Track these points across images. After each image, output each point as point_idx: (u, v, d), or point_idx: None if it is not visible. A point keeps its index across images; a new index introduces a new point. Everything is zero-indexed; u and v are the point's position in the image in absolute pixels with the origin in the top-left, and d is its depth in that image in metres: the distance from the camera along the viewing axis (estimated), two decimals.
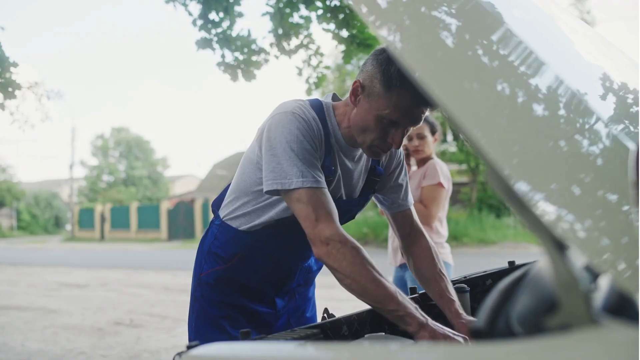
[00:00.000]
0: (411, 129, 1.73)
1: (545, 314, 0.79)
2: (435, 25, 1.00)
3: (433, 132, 3.86)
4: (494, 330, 0.83)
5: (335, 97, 1.90)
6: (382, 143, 1.71)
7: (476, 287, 2.01)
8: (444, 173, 3.81)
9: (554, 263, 0.78)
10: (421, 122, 1.70)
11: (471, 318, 1.71)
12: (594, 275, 0.93)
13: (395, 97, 1.61)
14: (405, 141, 3.83)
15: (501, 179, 0.81)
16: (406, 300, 1.50)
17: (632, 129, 1.04)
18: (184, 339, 6.18)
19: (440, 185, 3.74)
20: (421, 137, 3.82)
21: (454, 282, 1.95)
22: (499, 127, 0.88)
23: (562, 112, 0.96)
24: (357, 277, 1.51)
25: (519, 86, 0.95)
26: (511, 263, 2.18)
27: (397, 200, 1.99)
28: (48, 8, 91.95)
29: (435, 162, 3.84)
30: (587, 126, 0.96)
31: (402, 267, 3.78)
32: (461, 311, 1.73)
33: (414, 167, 4.03)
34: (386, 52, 1.64)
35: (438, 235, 3.79)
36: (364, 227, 18.65)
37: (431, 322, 1.48)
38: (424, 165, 3.87)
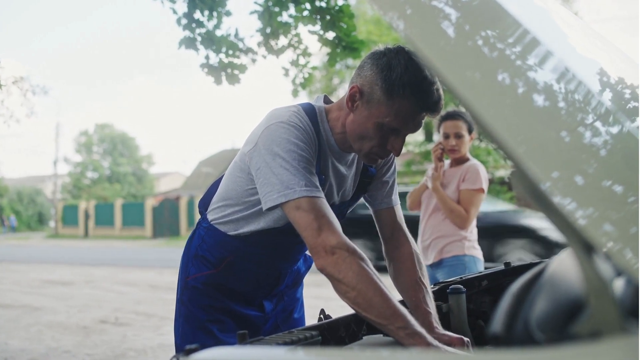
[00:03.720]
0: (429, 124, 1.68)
1: (569, 320, 0.77)
2: (436, 15, 0.98)
3: (470, 130, 3.73)
4: (512, 336, 0.79)
5: (326, 99, 1.83)
6: (381, 150, 1.65)
7: (472, 288, 1.99)
8: (485, 177, 3.71)
9: (582, 267, 0.75)
10: (421, 128, 1.64)
11: (445, 332, 1.64)
12: (625, 279, 0.89)
13: (397, 104, 1.55)
14: (441, 139, 3.71)
15: (527, 179, 0.78)
16: (412, 317, 1.42)
17: None
18: (170, 337, 6.16)
19: (481, 190, 3.65)
20: (459, 136, 3.68)
21: (451, 283, 1.92)
22: (523, 123, 0.84)
23: (582, 105, 0.94)
24: (364, 290, 1.41)
25: (539, 79, 0.93)
26: (507, 264, 2.16)
27: (380, 197, 1.93)
28: (38, 7, 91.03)
29: (476, 165, 3.72)
30: (614, 119, 0.94)
31: (433, 266, 3.72)
32: (436, 324, 1.66)
33: (446, 164, 3.90)
34: (387, 57, 1.58)
35: (472, 234, 3.73)
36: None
37: (436, 343, 1.39)
38: (461, 165, 3.76)
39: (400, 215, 1.95)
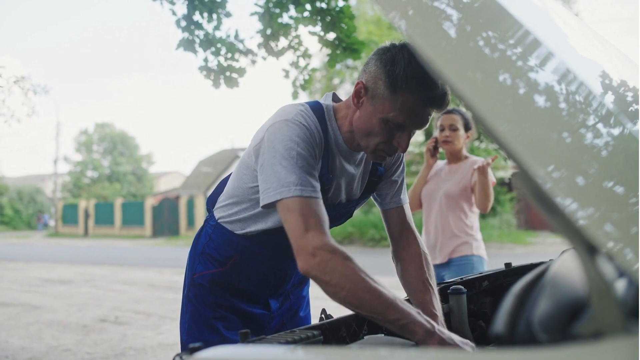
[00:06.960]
0: (428, 121, 1.62)
1: (571, 320, 0.77)
2: (438, 16, 0.99)
3: (467, 128, 3.76)
4: (515, 336, 0.79)
5: (335, 97, 1.82)
6: (387, 147, 1.64)
7: (473, 288, 1.99)
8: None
9: (585, 267, 0.75)
10: (427, 125, 1.62)
11: (452, 334, 1.58)
12: (626, 279, 0.89)
13: (401, 99, 1.54)
14: (435, 132, 3.72)
15: (530, 180, 0.78)
16: (407, 306, 1.41)
17: None
18: (170, 336, 6.18)
19: (493, 183, 3.70)
20: (453, 128, 3.72)
21: (452, 284, 1.92)
22: (524, 123, 0.85)
23: (583, 106, 0.94)
24: (353, 289, 1.40)
25: (540, 80, 0.93)
26: (507, 265, 2.17)
27: (389, 196, 1.92)
28: (38, 6, 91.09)
29: (475, 161, 3.74)
30: (615, 121, 0.94)
31: (441, 266, 3.75)
32: (443, 328, 1.63)
33: (439, 163, 3.94)
34: (390, 52, 1.57)
35: (479, 233, 3.82)
36: (349, 226, 18.60)
37: (438, 329, 1.40)
38: (460, 162, 3.79)
39: (409, 215, 1.95)
